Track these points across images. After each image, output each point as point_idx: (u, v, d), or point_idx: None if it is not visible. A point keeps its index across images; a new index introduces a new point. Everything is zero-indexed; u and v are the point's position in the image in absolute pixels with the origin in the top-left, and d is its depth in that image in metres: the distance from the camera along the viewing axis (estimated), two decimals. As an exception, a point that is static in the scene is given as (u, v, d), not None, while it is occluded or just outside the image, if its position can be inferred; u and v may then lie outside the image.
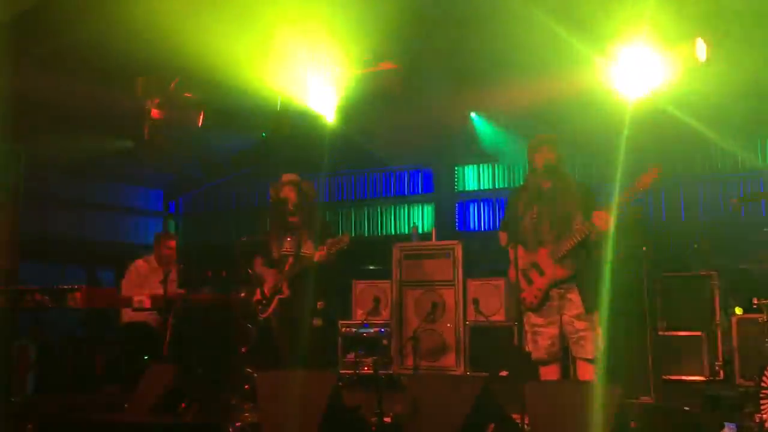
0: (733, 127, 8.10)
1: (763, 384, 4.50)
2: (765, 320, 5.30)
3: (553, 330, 4.56)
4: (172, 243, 6.97)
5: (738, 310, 6.24)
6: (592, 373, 4.47)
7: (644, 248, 6.30)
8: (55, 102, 7.59)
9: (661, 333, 6.26)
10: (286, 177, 5.65)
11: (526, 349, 4.67)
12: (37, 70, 7.06)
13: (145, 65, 7.29)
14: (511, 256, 4.45)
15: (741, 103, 7.33)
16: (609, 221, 4.34)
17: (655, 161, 4.43)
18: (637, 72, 6.65)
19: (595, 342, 4.45)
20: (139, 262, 6.94)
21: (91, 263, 10.08)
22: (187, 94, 7.88)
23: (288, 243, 5.51)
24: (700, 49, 5.98)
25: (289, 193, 5.53)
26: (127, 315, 6.52)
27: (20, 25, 6.66)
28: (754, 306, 5.32)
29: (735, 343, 6.08)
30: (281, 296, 5.38)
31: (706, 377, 6.09)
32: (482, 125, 9.27)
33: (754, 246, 5.95)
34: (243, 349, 5.35)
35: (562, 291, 4.56)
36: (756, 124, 8.20)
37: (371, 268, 9.14)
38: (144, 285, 6.73)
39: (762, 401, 4.47)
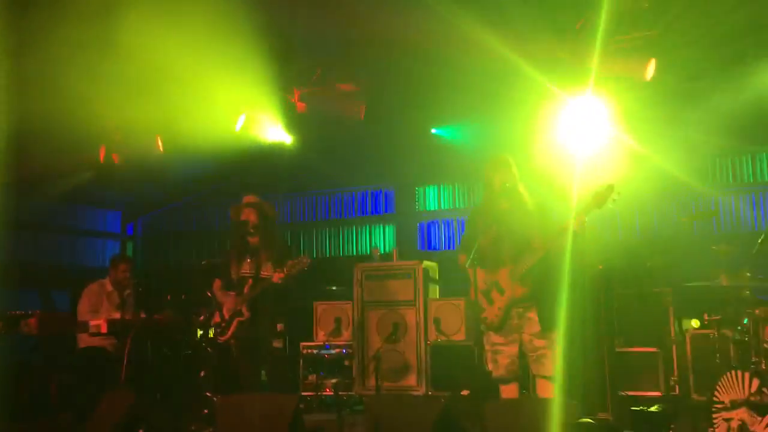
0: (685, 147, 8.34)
1: (714, 398, 4.60)
2: (716, 336, 5.44)
3: (513, 349, 4.61)
4: (126, 266, 6.86)
5: (695, 323, 6.38)
6: (551, 390, 4.53)
7: (600, 266, 6.43)
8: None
9: (618, 349, 6.37)
10: (247, 198, 5.64)
11: (487, 368, 4.71)
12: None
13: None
14: (471, 276, 4.50)
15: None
16: (584, 223, 4.41)
17: (609, 180, 4.53)
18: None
19: (554, 360, 4.51)
20: (94, 286, 6.81)
21: (45, 286, 9.85)
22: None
23: (247, 265, 5.48)
24: (650, 68, 6.14)
25: (250, 215, 5.51)
26: (84, 340, 6.39)
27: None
28: (705, 322, 5.46)
29: (689, 358, 6.22)
30: (241, 318, 5.33)
31: (661, 392, 6.20)
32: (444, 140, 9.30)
33: (704, 263, 6.11)
34: (202, 373, 5.28)
35: (521, 310, 4.61)
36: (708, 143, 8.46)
37: (333, 288, 9.13)
38: (99, 309, 6.62)
39: (714, 416, 4.57)
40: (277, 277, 5.20)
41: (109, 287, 6.78)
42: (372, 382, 6.74)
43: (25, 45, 6.73)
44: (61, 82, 7.07)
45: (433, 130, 9.03)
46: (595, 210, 4.47)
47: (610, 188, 4.40)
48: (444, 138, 9.26)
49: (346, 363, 7.12)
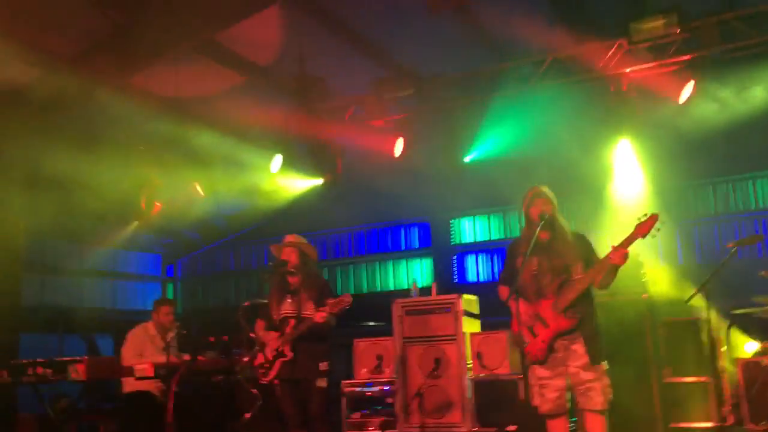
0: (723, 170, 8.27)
1: (773, 428, 4.47)
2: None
3: (560, 382, 4.53)
4: (169, 309, 6.94)
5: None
6: (601, 424, 4.43)
7: (644, 295, 6.33)
8: (55, 172, 7.68)
9: (666, 380, 6.24)
10: (288, 238, 5.68)
11: (533, 403, 4.63)
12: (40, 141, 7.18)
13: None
14: (513, 309, 4.46)
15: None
16: (625, 256, 4.36)
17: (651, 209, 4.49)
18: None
19: (603, 392, 4.43)
20: (137, 330, 6.89)
21: (89, 332, 10.00)
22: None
23: (288, 305, 5.51)
24: (686, 91, 6.11)
25: (290, 255, 5.55)
26: (129, 384, 6.44)
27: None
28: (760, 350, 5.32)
29: (741, 387, 6.05)
30: (284, 359, 5.34)
31: (715, 423, 6.04)
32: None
33: (752, 289, 5.98)
34: (246, 415, 5.28)
35: (567, 342, 4.54)
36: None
37: (371, 324, 9.12)
38: (144, 353, 6.67)
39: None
40: (319, 317, 5.21)
41: (153, 330, 6.85)
42: (416, 419, 6.68)
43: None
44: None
45: (466, 159, 8.99)
46: (638, 239, 4.42)
47: (654, 218, 4.35)
48: (477, 168, 9.25)
49: (389, 400, 7.06)
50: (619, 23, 6.20)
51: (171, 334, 6.66)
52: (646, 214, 4.39)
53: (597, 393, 4.42)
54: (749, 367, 6.06)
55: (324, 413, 5.39)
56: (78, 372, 5.58)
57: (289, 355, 5.32)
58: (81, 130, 7.22)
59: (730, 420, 6.08)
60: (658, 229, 4.34)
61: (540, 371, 4.58)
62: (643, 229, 4.36)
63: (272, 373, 5.38)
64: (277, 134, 8.29)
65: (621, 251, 4.34)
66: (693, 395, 6.17)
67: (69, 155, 7.35)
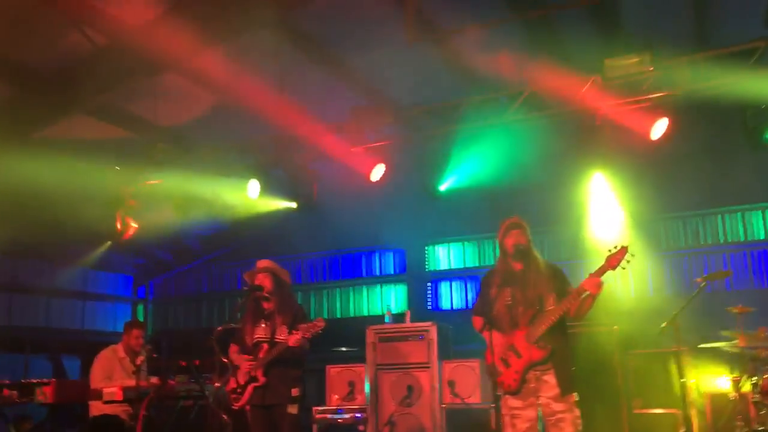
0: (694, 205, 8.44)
1: (739, 462, 4.53)
2: (737, 397, 5.39)
3: (532, 413, 4.56)
4: (139, 332, 6.85)
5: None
6: None
7: (615, 327, 6.41)
8: (26, 191, 7.60)
9: (636, 411, 6.30)
10: (261, 264, 5.66)
11: (504, 432, 4.64)
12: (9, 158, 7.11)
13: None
14: (487, 339, 4.49)
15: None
16: (600, 285, 4.42)
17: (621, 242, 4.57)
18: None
19: (573, 423, 4.46)
20: (106, 352, 6.77)
21: (56, 352, 9.83)
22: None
23: (262, 329, 5.48)
24: (658, 127, 6.24)
25: (264, 280, 5.53)
26: (96, 408, 6.33)
27: None
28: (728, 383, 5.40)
29: (709, 419, 6.13)
30: (256, 384, 5.30)
31: (682, 455, 6.09)
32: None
33: (720, 323, 6.09)
34: (217, 440, 5.23)
35: (539, 373, 4.58)
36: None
37: (344, 350, 9.07)
38: (113, 375, 6.58)
39: (739, 479, 4.50)
40: (293, 340, 5.19)
41: (122, 353, 6.75)
42: (387, 447, 6.65)
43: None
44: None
45: (442, 188, 9.06)
46: (608, 271, 4.49)
47: (624, 250, 4.43)
48: (453, 197, 9.32)
49: (361, 428, 7.02)
50: (594, 60, 6.35)
51: (141, 358, 6.58)
52: (616, 247, 4.47)
53: (567, 424, 4.46)
54: (717, 399, 6.15)
55: (295, 441, 5.34)
56: (45, 395, 5.49)
57: (262, 380, 5.28)
58: (54, 148, 7.16)
59: (698, 452, 6.15)
60: (628, 261, 4.42)
61: (512, 401, 4.61)
62: (612, 261, 4.44)
63: (244, 398, 5.33)
64: (254, 158, 8.29)
65: (595, 279, 4.41)
66: (661, 426, 6.23)
67: (40, 173, 7.28)
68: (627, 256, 4.43)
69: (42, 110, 6.96)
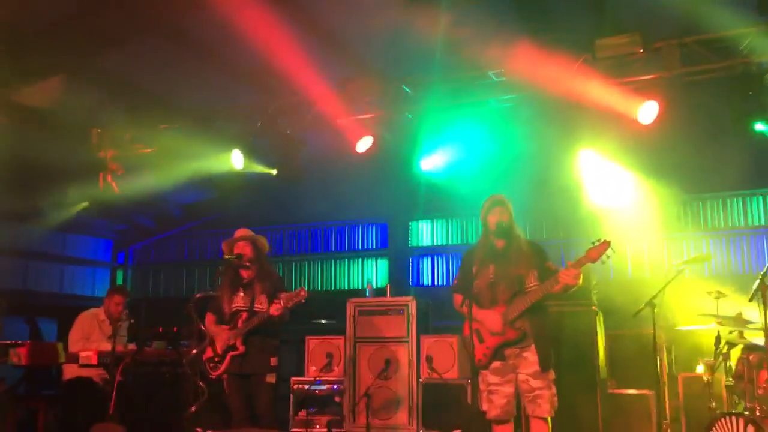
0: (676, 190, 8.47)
1: (708, 443, 4.60)
2: (710, 379, 5.46)
3: (509, 389, 4.60)
4: (120, 299, 6.81)
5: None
6: (546, 431, 4.51)
7: (594, 307, 6.45)
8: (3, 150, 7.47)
9: (610, 391, 6.37)
10: (240, 232, 5.62)
11: (481, 408, 4.67)
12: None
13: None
14: (466, 314, 4.50)
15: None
16: (578, 276, 4.42)
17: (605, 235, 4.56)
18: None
19: (550, 401, 4.50)
20: (87, 314, 6.76)
21: (33, 315, 9.74)
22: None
23: (241, 298, 5.46)
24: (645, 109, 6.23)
25: (244, 248, 5.51)
26: (70, 371, 6.30)
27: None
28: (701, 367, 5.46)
29: (681, 401, 6.21)
30: (234, 353, 5.29)
31: (654, 436, 6.18)
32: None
33: (698, 306, 6.14)
34: (192, 408, 5.20)
35: (518, 350, 4.61)
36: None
37: (323, 322, 9.09)
38: (90, 337, 6.55)
39: (708, 460, 4.56)
40: (274, 309, 5.17)
41: (102, 316, 6.74)
42: (363, 419, 6.69)
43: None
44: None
45: (427, 163, 9.01)
46: (588, 264, 4.50)
47: (606, 244, 4.43)
48: (438, 173, 9.29)
49: (337, 399, 7.05)
50: (584, 39, 6.31)
51: (121, 324, 6.55)
52: (599, 239, 4.47)
53: (545, 401, 4.50)
54: (690, 382, 6.23)
55: (271, 409, 5.36)
56: (20, 356, 5.44)
57: (241, 348, 5.27)
58: (36, 108, 7.03)
59: (669, 433, 6.24)
60: (608, 256, 4.42)
61: (490, 377, 4.64)
62: (593, 254, 4.44)
63: (222, 367, 5.32)
64: (239, 126, 8.20)
65: (573, 271, 4.42)
66: (635, 407, 6.31)
67: (20, 133, 7.16)
68: (608, 251, 4.43)
69: (23, 70, 6.80)
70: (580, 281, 4.48)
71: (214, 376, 5.33)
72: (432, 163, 8.15)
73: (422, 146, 8.16)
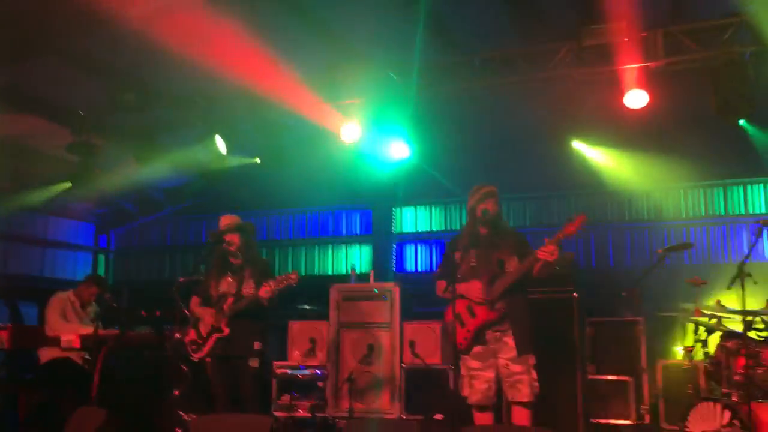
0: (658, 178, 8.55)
1: (686, 428, 4.67)
2: (688, 366, 5.53)
3: (490, 374, 4.62)
4: (97, 290, 6.77)
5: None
6: (526, 417, 4.54)
7: (574, 294, 6.50)
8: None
9: (590, 377, 6.44)
10: (227, 219, 5.57)
11: (462, 393, 4.71)
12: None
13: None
14: (450, 296, 4.52)
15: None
16: (555, 253, 4.42)
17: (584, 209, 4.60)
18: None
19: (530, 385, 4.53)
20: (61, 295, 6.68)
21: (13, 298, 9.67)
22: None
23: (228, 283, 5.43)
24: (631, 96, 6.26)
25: (233, 237, 5.46)
26: (46, 353, 6.24)
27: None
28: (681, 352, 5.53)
29: (660, 387, 6.30)
30: (219, 335, 5.27)
31: (632, 421, 6.27)
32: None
33: (677, 294, 6.22)
34: (175, 392, 5.20)
35: (498, 334, 4.63)
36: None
37: (306, 307, 9.09)
38: (67, 315, 6.49)
39: (686, 445, 4.64)
40: (264, 291, 5.15)
41: (74, 298, 6.68)
42: (345, 404, 6.72)
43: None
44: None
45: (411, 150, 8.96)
46: (564, 238, 4.49)
47: (582, 219, 4.42)
48: (422, 160, 9.29)
49: (320, 384, 7.07)
50: (569, 26, 6.33)
51: (92, 308, 6.53)
52: (576, 215, 4.50)
53: (525, 386, 4.52)
54: (669, 369, 6.31)
55: (255, 393, 5.34)
56: (1, 340, 5.40)
57: (226, 331, 5.25)
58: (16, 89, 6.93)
59: (647, 419, 6.33)
60: (584, 230, 4.42)
61: (471, 362, 4.66)
62: (570, 228, 4.44)
63: (205, 349, 5.30)
64: (222, 110, 8.15)
65: (549, 247, 4.41)
66: (614, 393, 6.39)
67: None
68: (583, 224, 4.43)
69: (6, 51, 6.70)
70: (556, 258, 4.46)
71: (196, 358, 5.30)
72: (416, 149, 8.15)
73: (406, 132, 8.15)
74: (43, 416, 5.79)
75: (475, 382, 4.63)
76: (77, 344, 5.64)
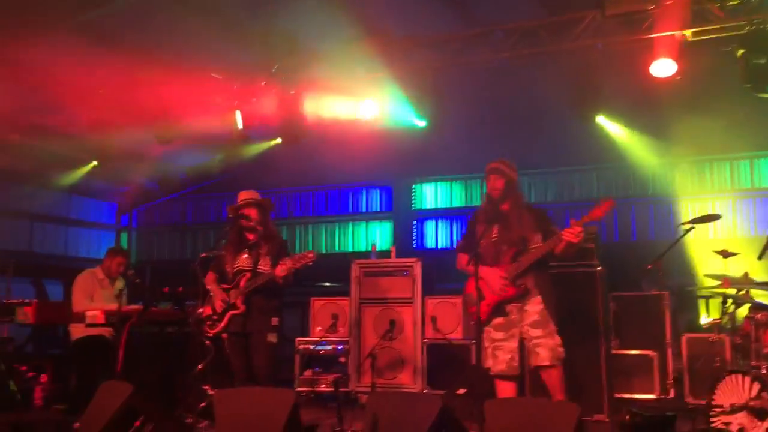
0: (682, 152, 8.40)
1: (713, 402, 4.62)
2: (714, 339, 5.46)
3: (513, 344, 4.62)
4: (122, 260, 6.82)
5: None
6: (556, 377, 4.50)
7: (599, 268, 6.43)
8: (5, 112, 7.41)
9: (614, 352, 6.38)
10: (246, 194, 5.57)
11: (485, 364, 4.70)
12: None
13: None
14: (471, 271, 4.50)
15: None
16: (580, 234, 4.39)
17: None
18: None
19: (551, 349, 4.51)
20: (85, 274, 6.73)
21: (38, 276, 9.79)
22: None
23: (245, 259, 5.43)
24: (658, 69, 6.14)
25: (250, 211, 5.46)
26: (78, 331, 6.33)
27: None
28: (705, 327, 5.46)
29: (685, 361, 6.23)
30: (235, 312, 5.27)
31: (657, 395, 6.22)
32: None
33: (703, 267, 6.13)
34: (199, 367, 5.23)
35: (520, 304, 4.62)
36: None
37: (328, 285, 9.11)
38: (93, 296, 6.55)
39: (712, 419, 4.59)
40: (280, 269, 5.14)
41: (101, 275, 6.72)
42: (367, 379, 6.73)
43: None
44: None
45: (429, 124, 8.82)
46: (591, 222, 4.47)
47: (610, 203, 4.42)
48: (442, 135, 9.20)
49: (342, 359, 7.10)
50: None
51: (119, 285, 6.57)
52: (605, 198, 4.48)
53: (545, 349, 4.51)
54: (694, 343, 6.24)
55: (271, 368, 5.33)
56: (27, 315, 5.46)
57: (242, 308, 5.25)
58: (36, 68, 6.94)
59: (672, 393, 6.28)
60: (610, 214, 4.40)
61: (495, 334, 4.66)
62: (597, 212, 4.43)
63: (220, 326, 5.30)
64: (243, 88, 8.13)
65: (576, 229, 4.39)
66: (638, 367, 6.33)
67: (21, 93, 7.09)
68: (610, 210, 4.41)
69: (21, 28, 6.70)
70: (581, 239, 4.43)
71: (211, 334, 5.31)
72: (435, 124, 8.09)
73: (426, 108, 8.09)
74: (70, 390, 5.86)
75: (499, 352, 4.63)
76: (102, 320, 5.68)
